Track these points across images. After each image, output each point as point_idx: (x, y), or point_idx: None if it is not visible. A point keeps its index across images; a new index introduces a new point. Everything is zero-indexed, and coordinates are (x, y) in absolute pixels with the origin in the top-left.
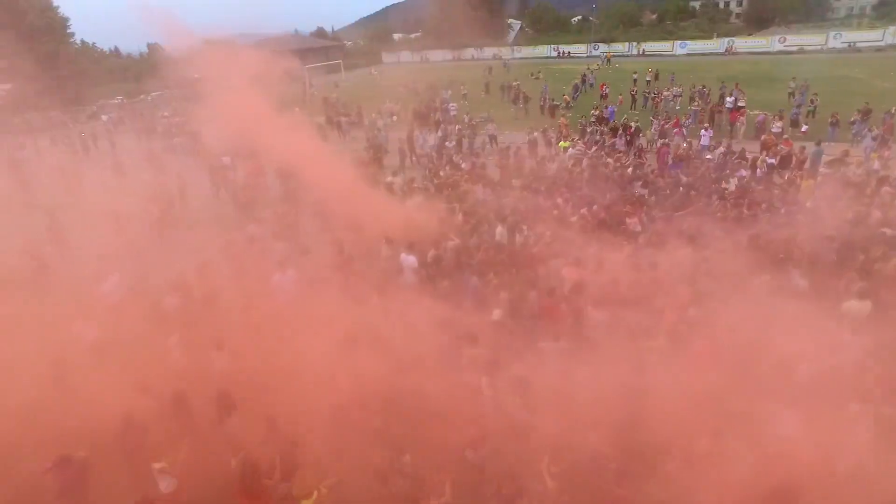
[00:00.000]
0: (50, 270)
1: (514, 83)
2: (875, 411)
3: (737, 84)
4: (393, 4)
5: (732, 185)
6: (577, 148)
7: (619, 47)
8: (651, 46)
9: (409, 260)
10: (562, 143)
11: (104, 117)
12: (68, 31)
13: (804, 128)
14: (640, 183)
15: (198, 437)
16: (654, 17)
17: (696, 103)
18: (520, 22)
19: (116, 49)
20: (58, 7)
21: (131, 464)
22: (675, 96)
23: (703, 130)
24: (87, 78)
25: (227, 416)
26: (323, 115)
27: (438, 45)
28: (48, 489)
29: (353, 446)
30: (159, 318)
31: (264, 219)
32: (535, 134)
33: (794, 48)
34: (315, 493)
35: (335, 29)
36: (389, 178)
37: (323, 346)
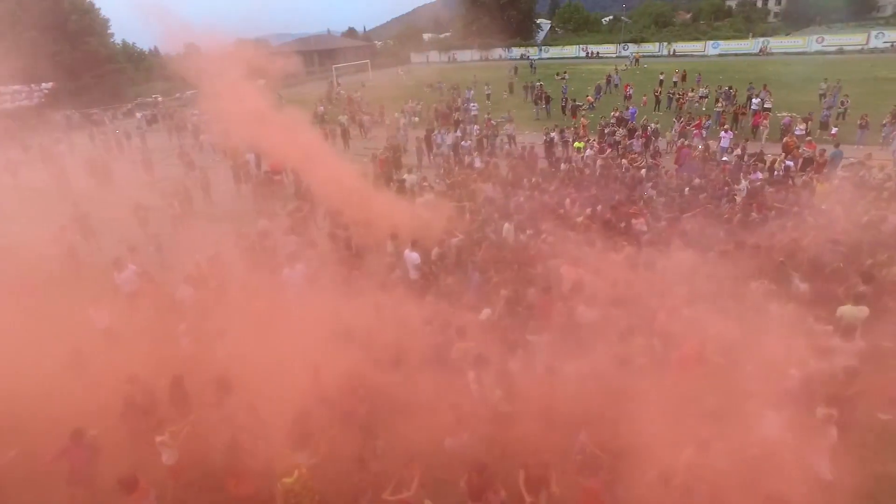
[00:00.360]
0: (75, 259)
1: (538, 83)
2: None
3: (765, 85)
4: (424, 4)
5: (743, 187)
6: (592, 149)
7: (650, 48)
8: (682, 47)
9: (412, 256)
10: (576, 144)
11: (138, 115)
12: (108, 31)
13: (833, 130)
14: (650, 184)
15: (196, 417)
16: (688, 16)
17: (719, 104)
18: (549, 22)
19: (156, 49)
20: (99, 9)
21: (135, 439)
22: (700, 97)
23: (723, 132)
24: (125, 77)
25: (224, 399)
26: (346, 114)
27: (466, 45)
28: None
29: (336, 432)
30: (169, 307)
31: (276, 214)
32: (553, 134)
33: (833, 48)
34: (296, 472)
35: (367, 28)
36: (403, 176)
37: (316, 338)
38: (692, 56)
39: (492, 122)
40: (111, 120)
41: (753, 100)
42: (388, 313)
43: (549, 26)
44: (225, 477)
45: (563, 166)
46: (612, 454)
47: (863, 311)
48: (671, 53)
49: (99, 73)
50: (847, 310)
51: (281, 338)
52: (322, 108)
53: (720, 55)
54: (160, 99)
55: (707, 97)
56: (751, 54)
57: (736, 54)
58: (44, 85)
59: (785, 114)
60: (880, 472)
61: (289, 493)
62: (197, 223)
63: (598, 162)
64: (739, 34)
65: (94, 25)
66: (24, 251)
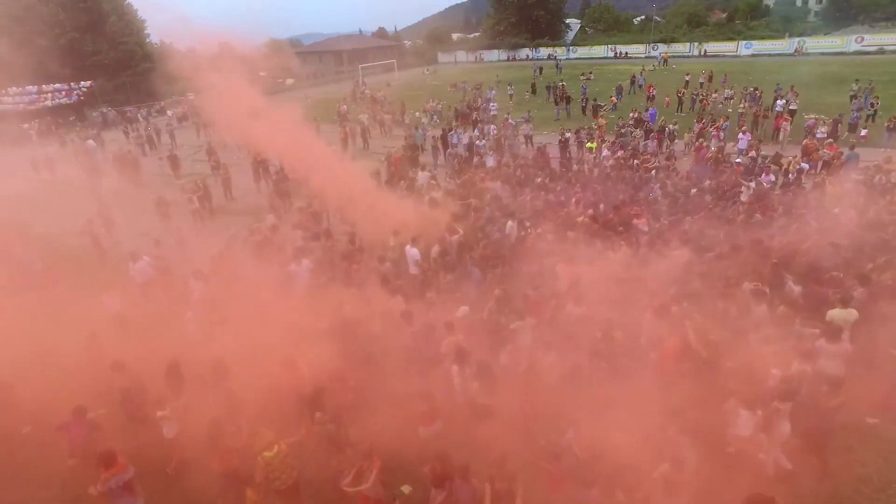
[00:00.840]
0: (100, 248)
1: (560, 83)
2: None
3: (792, 87)
4: (456, 4)
5: (751, 189)
6: (609, 150)
7: (680, 48)
8: (714, 47)
9: (413, 252)
10: (589, 144)
11: (169, 112)
12: (145, 32)
13: (863, 132)
14: (657, 185)
15: (189, 398)
16: (723, 16)
17: (742, 106)
18: (579, 22)
19: (192, 48)
20: (136, 10)
21: (138, 413)
22: (726, 98)
23: (741, 134)
24: (160, 75)
25: (217, 382)
26: (367, 113)
27: (494, 46)
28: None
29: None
30: (179, 296)
31: (288, 210)
32: (568, 134)
33: (873, 48)
34: (276, 448)
35: (398, 28)
36: (415, 174)
37: (307, 328)
38: (724, 56)
39: (510, 121)
40: (144, 117)
41: (778, 101)
42: (379, 307)
43: (578, 26)
44: (209, 454)
45: (574, 167)
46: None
47: (851, 313)
48: (702, 54)
49: (135, 72)
50: (836, 313)
51: (276, 328)
52: (345, 107)
53: (753, 56)
54: (192, 97)
55: (732, 98)
56: (785, 55)
57: (769, 55)
58: (82, 83)
59: (812, 116)
60: (861, 474)
61: (268, 467)
62: (215, 217)
63: (609, 162)
64: (776, 34)
65: (131, 27)
66: (55, 241)
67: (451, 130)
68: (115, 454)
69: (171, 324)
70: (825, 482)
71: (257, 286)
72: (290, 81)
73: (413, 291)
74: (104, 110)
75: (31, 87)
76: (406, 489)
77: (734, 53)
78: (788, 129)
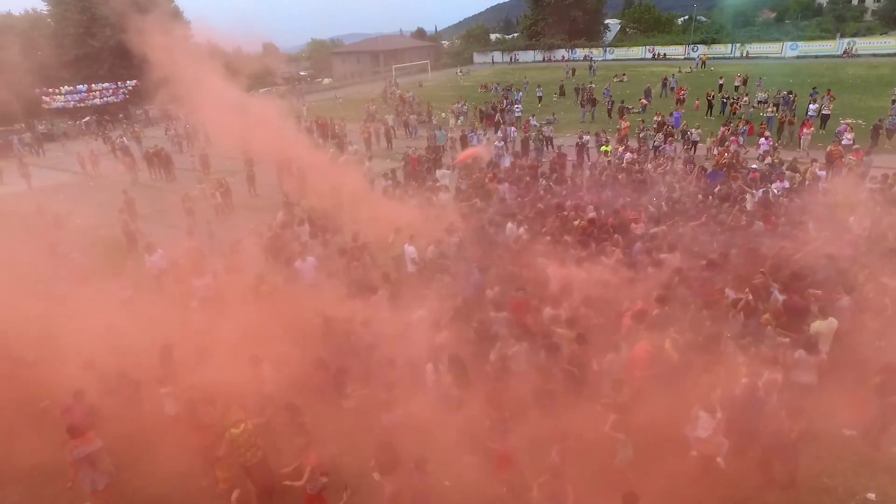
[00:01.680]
0: (131, 238)
1: (590, 85)
2: None
3: (829, 90)
4: (497, 4)
5: (756, 196)
6: (623, 153)
7: (721, 49)
8: (757, 48)
9: (410, 250)
10: (603, 148)
11: None
12: (190, 33)
13: None
14: (665, 189)
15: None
16: (772, 15)
17: (770, 110)
18: (618, 22)
19: (239, 48)
20: (183, 12)
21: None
22: (759, 102)
23: (762, 139)
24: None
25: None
26: (393, 113)
27: (530, 46)
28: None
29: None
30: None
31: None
32: (586, 137)
33: None
34: (243, 426)
35: (438, 29)
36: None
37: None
38: (767, 58)
39: (533, 123)
40: (185, 115)
41: (811, 106)
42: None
43: (618, 27)
44: (186, 430)
45: (585, 172)
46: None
47: (832, 323)
48: (744, 55)
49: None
50: (818, 325)
51: (269, 318)
52: (374, 106)
53: (798, 57)
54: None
55: (766, 102)
56: (833, 56)
57: (816, 56)
58: (129, 82)
59: (848, 120)
60: (826, 485)
61: (234, 443)
62: (236, 213)
63: (623, 165)
64: (826, 34)
65: (177, 28)
66: (91, 231)
67: (472, 132)
68: (84, 428)
69: (176, 312)
70: (787, 492)
71: (258, 281)
72: (326, 81)
73: (409, 289)
74: (147, 108)
75: (81, 85)
76: (377, 476)
77: (778, 55)
78: (809, 136)
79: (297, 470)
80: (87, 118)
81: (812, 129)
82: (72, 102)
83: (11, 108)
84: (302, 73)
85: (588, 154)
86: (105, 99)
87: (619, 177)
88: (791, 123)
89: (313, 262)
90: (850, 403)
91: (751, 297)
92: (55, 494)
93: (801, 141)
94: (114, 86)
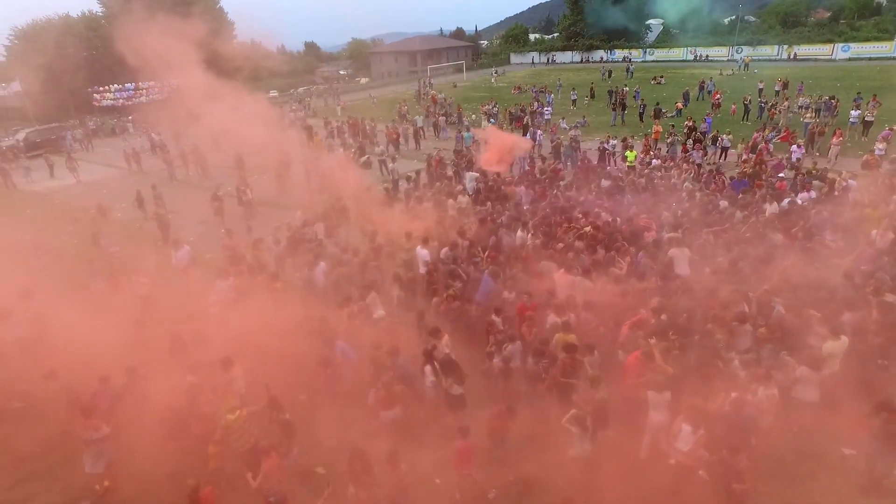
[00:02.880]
0: (164, 234)
1: (623, 88)
2: None
3: (874, 96)
4: (539, 3)
5: (781, 206)
6: (650, 159)
7: (766, 51)
8: (806, 49)
9: (423, 253)
10: (627, 153)
11: None
12: (233, 33)
13: None
14: (685, 196)
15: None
16: (826, 15)
17: (809, 116)
18: (661, 22)
19: (282, 46)
20: (227, 13)
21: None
22: (800, 107)
23: (794, 147)
24: (243, 74)
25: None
26: (423, 114)
27: (569, 47)
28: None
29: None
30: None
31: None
32: (613, 141)
33: None
34: (238, 412)
35: (479, 28)
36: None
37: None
38: (816, 60)
39: (563, 125)
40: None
41: (853, 112)
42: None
43: (660, 27)
44: (187, 419)
45: (603, 182)
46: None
47: (843, 343)
48: (791, 57)
49: (220, 71)
50: (830, 346)
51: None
52: (406, 107)
53: (850, 59)
54: (276, 94)
55: (808, 107)
56: (888, 58)
57: (870, 58)
58: (173, 81)
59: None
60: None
61: (228, 428)
62: (262, 210)
63: (645, 171)
64: (885, 35)
65: (220, 28)
66: (129, 225)
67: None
68: (93, 408)
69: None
70: None
71: (272, 279)
72: (363, 80)
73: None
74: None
75: (129, 84)
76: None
77: (829, 57)
78: (838, 147)
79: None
80: (131, 116)
81: (842, 138)
82: (120, 100)
83: (66, 105)
84: (341, 73)
85: (614, 160)
86: (151, 97)
87: (639, 181)
88: (821, 134)
89: (323, 268)
90: (852, 422)
91: (747, 309)
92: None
93: (830, 151)
94: (159, 84)
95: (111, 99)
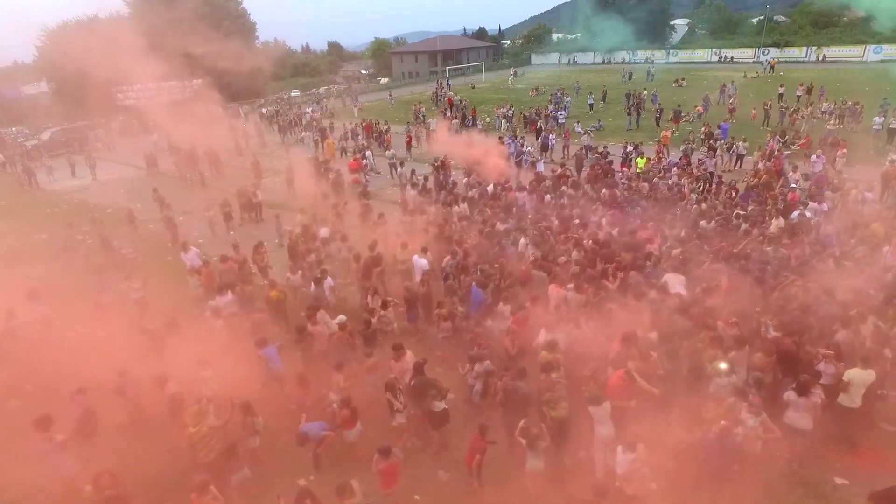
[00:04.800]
0: (173, 235)
1: (641, 91)
2: None
3: None
4: (563, 3)
5: (780, 221)
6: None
7: (795, 52)
8: (835, 51)
9: (421, 262)
10: (638, 160)
11: (263, 111)
12: (255, 34)
13: None
14: (693, 207)
15: None
16: (860, 15)
17: (832, 122)
18: (686, 23)
19: (307, 46)
20: (250, 14)
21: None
22: (823, 112)
23: (814, 156)
24: (264, 75)
25: None
26: (437, 117)
27: (591, 48)
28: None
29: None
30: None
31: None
32: (629, 147)
33: None
34: (199, 426)
35: (502, 28)
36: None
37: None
38: (846, 62)
39: (577, 129)
40: (246, 114)
41: (876, 119)
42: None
43: (685, 28)
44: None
45: (603, 192)
46: None
47: (869, 375)
48: (820, 59)
49: (240, 72)
50: (855, 373)
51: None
52: (424, 108)
53: (882, 61)
54: (297, 94)
55: (832, 113)
56: None
57: None
58: (194, 81)
59: None
60: None
61: (190, 440)
62: (271, 213)
63: (654, 180)
64: None
65: (242, 29)
66: (142, 226)
67: (512, 138)
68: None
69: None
70: None
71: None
72: (383, 80)
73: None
74: (210, 107)
75: (150, 84)
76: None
77: (859, 59)
78: (844, 158)
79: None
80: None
81: (845, 150)
82: (141, 100)
83: (92, 105)
84: (363, 72)
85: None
86: (172, 96)
87: (642, 185)
88: (832, 145)
89: (330, 284)
90: (846, 451)
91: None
92: None
93: (837, 161)
94: (180, 84)
95: (133, 99)
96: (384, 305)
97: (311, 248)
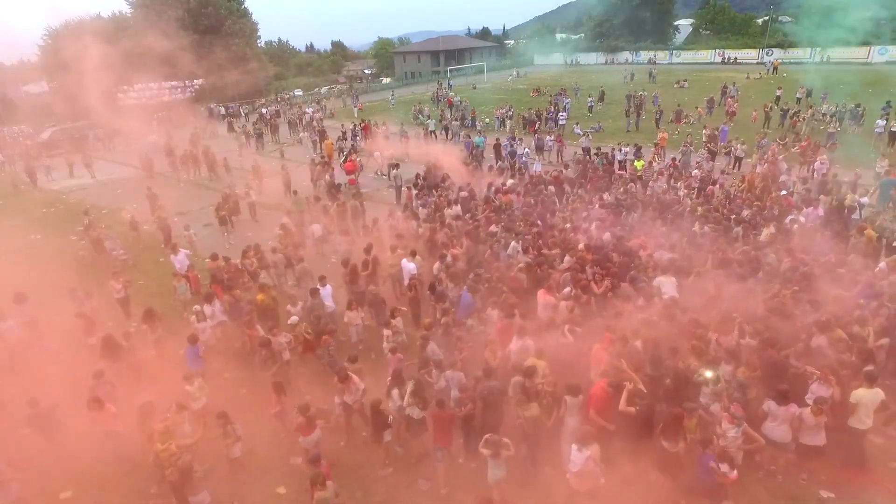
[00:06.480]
0: (165, 236)
1: (641, 93)
2: None
3: None
4: (568, 3)
5: (771, 229)
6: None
7: (799, 53)
8: (840, 52)
9: (409, 266)
10: (637, 163)
11: (263, 110)
12: (257, 34)
13: None
14: (688, 211)
15: None
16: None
17: (832, 125)
18: (690, 23)
19: (311, 45)
20: (251, 14)
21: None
22: (823, 114)
23: (817, 162)
24: (266, 74)
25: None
26: (435, 118)
27: (593, 48)
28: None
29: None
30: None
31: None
32: (626, 149)
33: None
34: (166, 444)
35: (506, 28)
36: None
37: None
38: (851, 64)
39: (576, 131)
40: (247, 113)
41: (879, 122)
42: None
43: (689, 28)
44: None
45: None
46: None
47: (878, 394)
48: (824, 60)
49: (245, 71)
50: (862, 393)
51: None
52: (426, 109)
53: (887, 63)
54: (299, 94)
55: (833, 115)
56: None
57: None
58: (196, 81)
59: None
60: None
61: (157, 458)
62: (272, 213)
63: (650, 183)
64: None
65: (244, 29)
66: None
67: (511, 139)
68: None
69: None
70: None
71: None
72: (386, 80)
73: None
74: (211, 106)
75: (152, 83)
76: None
77: (864, 60)
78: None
79: None
80: (157, 115)
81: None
82: (142, 100)
83: (90, 105)
84: (366, 72)
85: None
86: (173, 96)
87: (633, 186)
88: (833, 145)
89: (330, 291)
90: (831, 464)
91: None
92: None
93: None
94: (182, 84)
95: (134, 98)
96: (393, 314)
97: (286, 252)
